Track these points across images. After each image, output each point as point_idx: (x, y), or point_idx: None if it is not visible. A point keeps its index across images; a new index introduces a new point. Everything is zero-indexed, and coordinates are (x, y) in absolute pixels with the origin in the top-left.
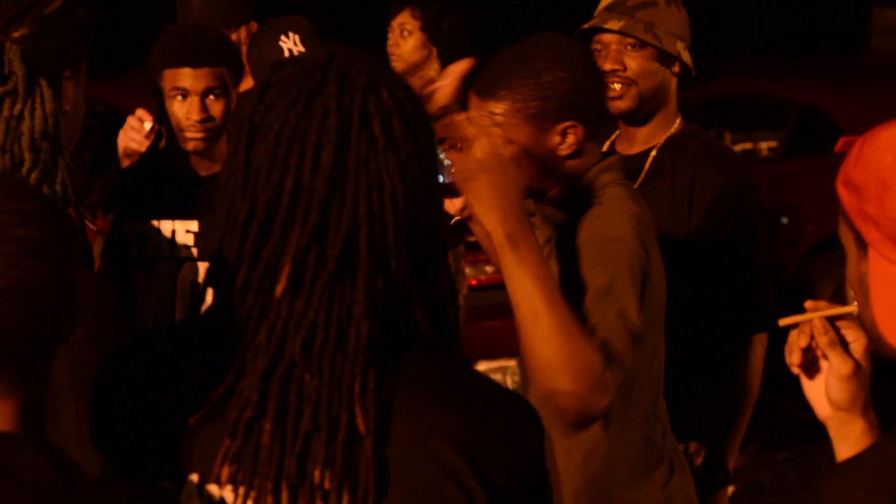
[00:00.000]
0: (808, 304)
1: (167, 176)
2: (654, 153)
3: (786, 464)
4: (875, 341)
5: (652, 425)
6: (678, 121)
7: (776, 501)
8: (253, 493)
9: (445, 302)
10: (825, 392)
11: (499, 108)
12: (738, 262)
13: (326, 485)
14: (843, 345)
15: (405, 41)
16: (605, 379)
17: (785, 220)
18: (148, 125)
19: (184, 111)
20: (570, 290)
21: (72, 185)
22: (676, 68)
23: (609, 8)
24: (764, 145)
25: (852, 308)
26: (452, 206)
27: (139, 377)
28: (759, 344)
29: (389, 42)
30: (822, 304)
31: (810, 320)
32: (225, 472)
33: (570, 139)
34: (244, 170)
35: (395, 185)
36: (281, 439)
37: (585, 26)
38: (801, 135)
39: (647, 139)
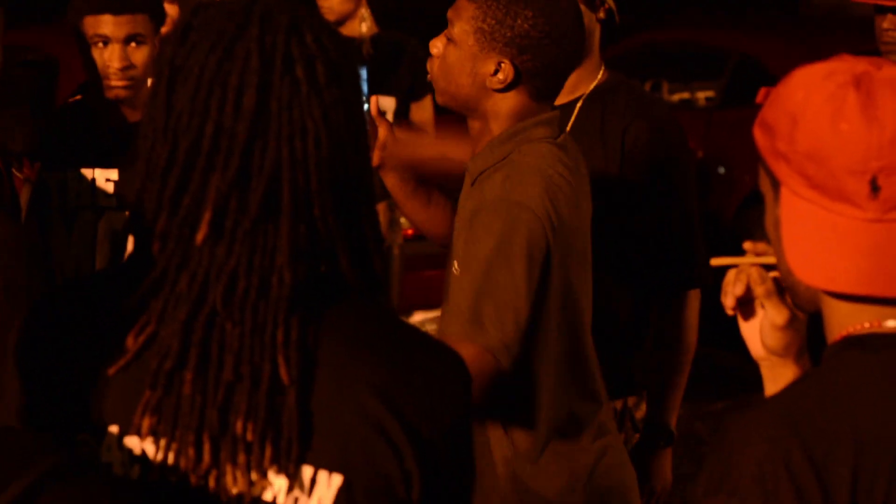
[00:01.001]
0: (747, 245)
1: (89, 124)
2: (580, 104)
3: (721, 415)
4: (790, 289)
5: (568, 393)
6: (602, 70)
7: None
8: (174, 445)
9: (371, 250)
10: (760, 337)
11: (465, 7)
12: (671, 217)
13: (249, 436)
14: (780, 292)
15: None
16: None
17: (722, 170)
18: None
19: (105, 59)
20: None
21: None
22: (602, 14)
23: None
24: (701, 95)
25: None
26: None
27: (57, 327)
28: (694, 299)
29: None
30: (761, 246)
31: (746, 265)
32: (145, 423)
33: (500, 76)
34: (164, 114)
35: (319, 130)
36: (202, 390)
37: None
38: (738, 84)
39: (571, 89)
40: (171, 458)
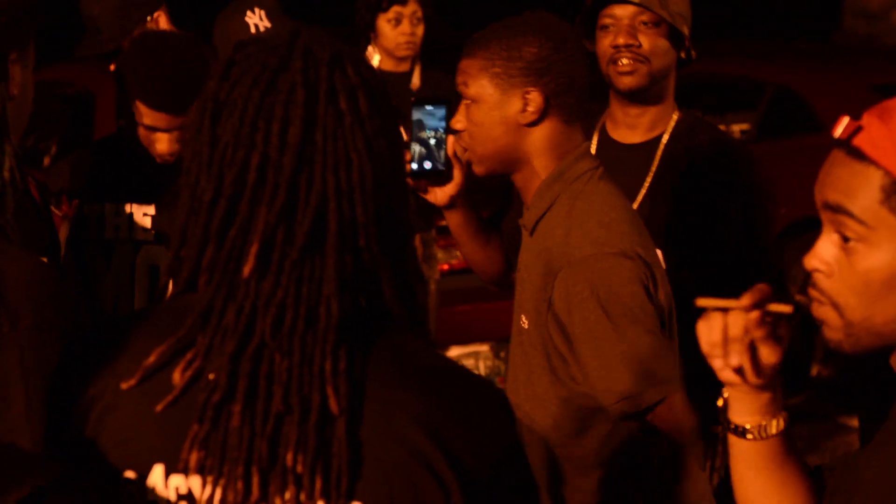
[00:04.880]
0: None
1: (126, 160)
2: (664, 141)
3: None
4: (874, 336)
5: None
6: (676, 108)
7: None
8: (222, 480)
9: (413, 281)
10: (742, 370)
11: (470, 65)
12: (757, 250)
13: (299, 468)
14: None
15: (419, 27)
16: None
17: None
18: None
19: (153, 140)
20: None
21: (21, 170)
22: (682, 54)
23: None
24: (736, 127)
25: (787, 308)
26: (436, 195)
27: (99, 364)
28: None
29: (401, 31)
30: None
31: (740, 310)
32: (193, 458)
33: (530, 107)
34: (209, 148)
35: (363, 161)
36: (251, 422)
37: None
38: (774, 116)
39: (651, 126)
40: (218, 493)
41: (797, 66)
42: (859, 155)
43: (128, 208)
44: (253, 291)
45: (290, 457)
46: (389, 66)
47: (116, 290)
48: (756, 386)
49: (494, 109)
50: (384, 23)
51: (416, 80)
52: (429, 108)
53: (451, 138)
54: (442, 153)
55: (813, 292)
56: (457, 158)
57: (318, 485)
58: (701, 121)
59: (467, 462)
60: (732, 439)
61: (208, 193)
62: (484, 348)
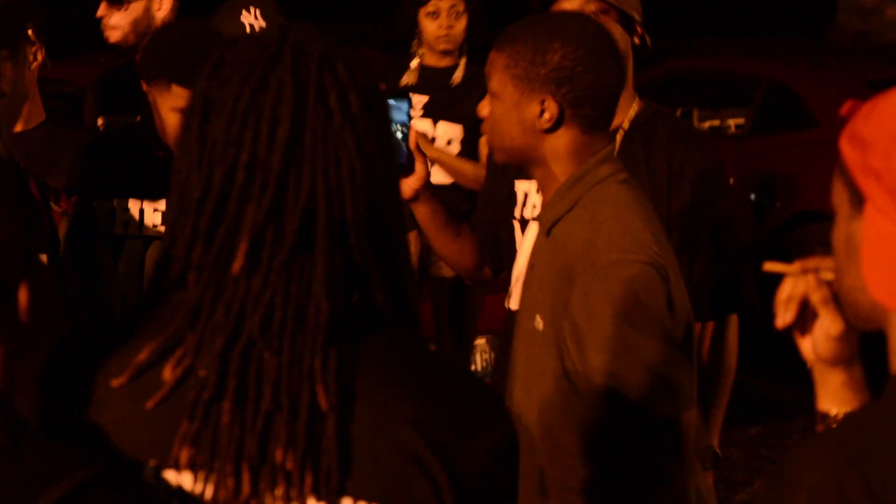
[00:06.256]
0: (798, 263)
1: (138, 155)
2: (620, 136)
3: (756, 440)
4: (852, 305)
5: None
6: (636, 99)
7: (746, 478)
8: (213, 477)
9: (405, 281)
10: (812, 344)
11: (496, 59)
12: (718, 241)
13: (288, 465)
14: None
15: (459, 21)
16: None
17: (753, 197)
18: None
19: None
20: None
21: (18, 166)
22: (637, 40)
23: None
24: (731, 122)
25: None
26: (404, 185)
27: (89, 364)
28: (733, 323)
29: (439, 24)
30: (811, 263)
31: (800, 273)
32: (183, 455)
33: (546, 115)
34: (198, 146)
35: (353, 159)
36: (241, 419)
37: None
38: (769, 111)
39: None
40: (209, 490)
41: (791, 62)
42: None
43: (139, 204)
44: (242, 289)
45: (279, 454)
46: (432, 60)
47: (125, 286)
48: (824, 360)
49: (512, 110)
50: (424, 17)
51: (457, 75)
52: (392, 102)
53: (413, 132)
54: (404, 147)
55: None
56: (419, 151)
57: (309, 481)
58: (661, 111)
59: (459, 461)
60: (820, 429)
61: (197, 192)
62: (481, 341)
